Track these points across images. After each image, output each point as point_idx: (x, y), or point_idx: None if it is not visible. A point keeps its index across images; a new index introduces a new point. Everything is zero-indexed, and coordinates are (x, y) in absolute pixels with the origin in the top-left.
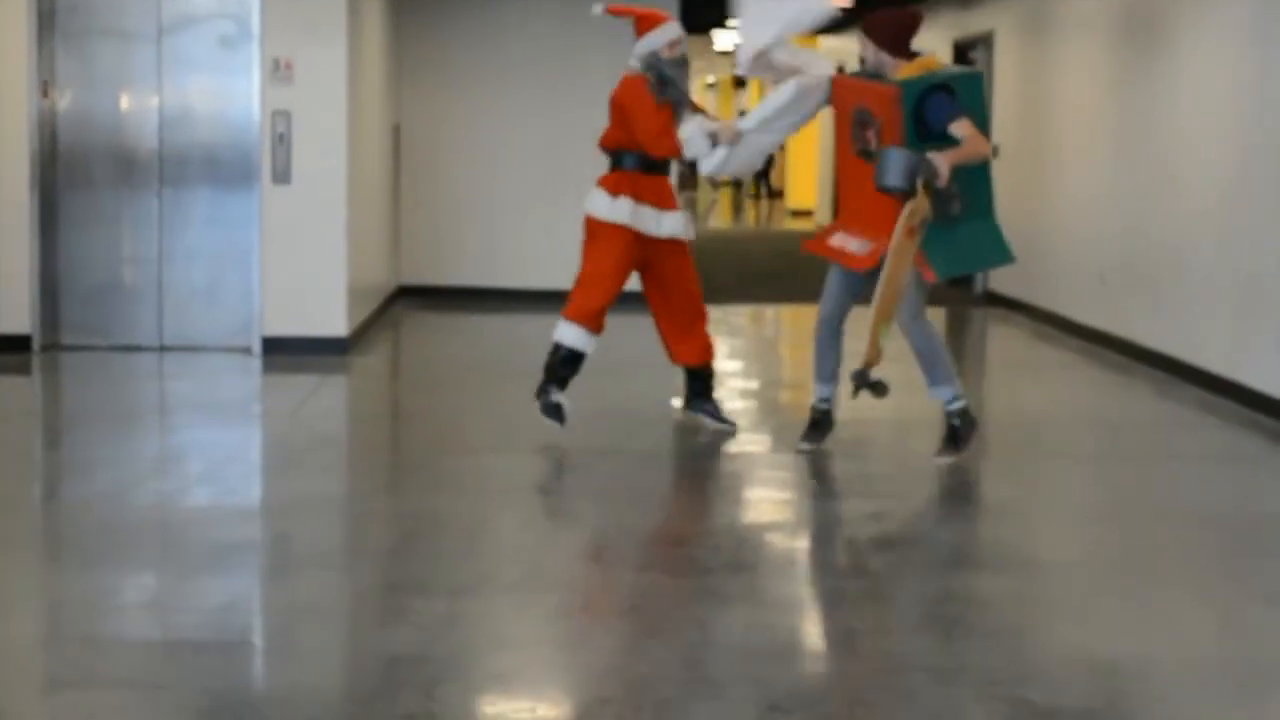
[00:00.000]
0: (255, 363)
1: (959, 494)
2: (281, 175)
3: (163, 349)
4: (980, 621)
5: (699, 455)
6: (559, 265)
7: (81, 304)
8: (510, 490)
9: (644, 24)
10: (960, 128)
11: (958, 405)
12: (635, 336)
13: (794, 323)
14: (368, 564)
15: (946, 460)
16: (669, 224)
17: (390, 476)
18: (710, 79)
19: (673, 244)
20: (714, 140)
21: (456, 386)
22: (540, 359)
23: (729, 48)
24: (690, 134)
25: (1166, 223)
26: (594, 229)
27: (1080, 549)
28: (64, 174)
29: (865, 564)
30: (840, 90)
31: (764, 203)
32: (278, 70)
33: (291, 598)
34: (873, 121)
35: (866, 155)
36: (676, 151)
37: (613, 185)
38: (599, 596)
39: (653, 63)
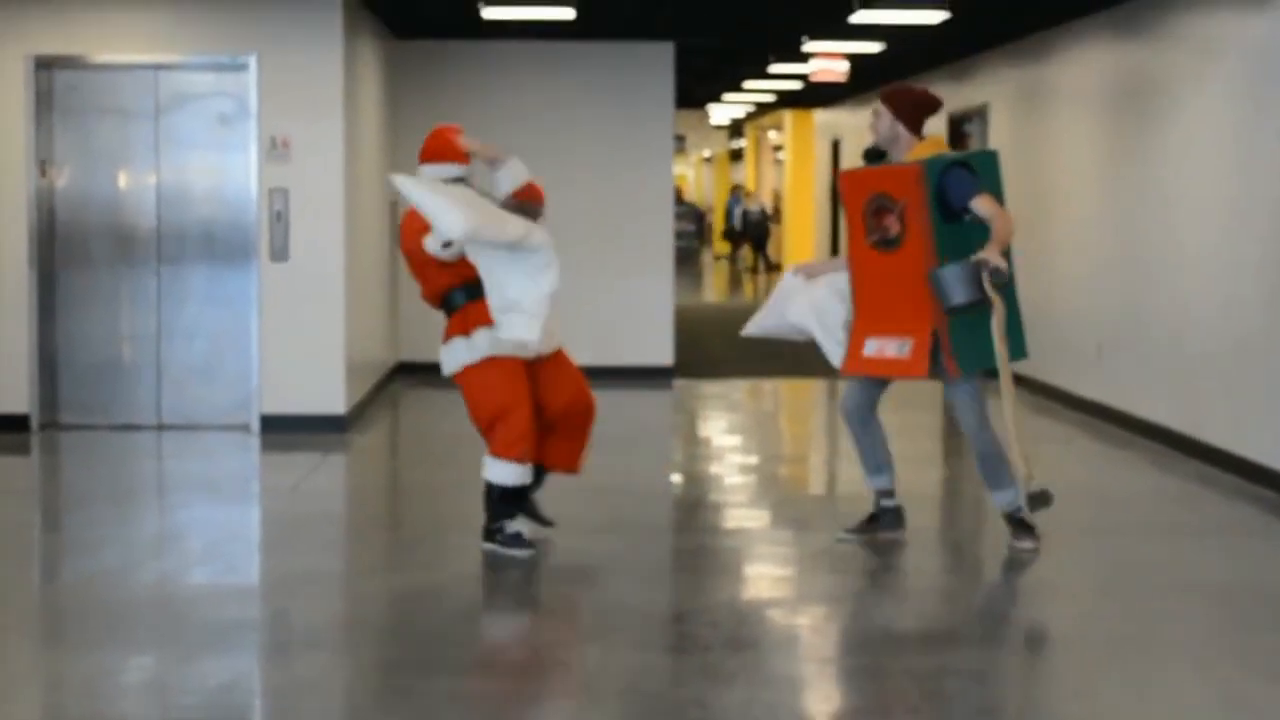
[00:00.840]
0: (254, 440)
1: (958, 569)
2: (279, 252)
3: (161, 427)
4: (980, 698)
5: (697, 530)
6: (569, 340)
7: (80, 382)
8: (509, 567)
9: (428, 150)
10: (983, 204)
11: (1020, 505)
12: (630, 411)
13: (792, 397)
14: (367, 642)
15: (1031, 545)
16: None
17: (390, 554)
18: (706, 153)
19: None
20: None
21: (455, 463)
22: None
23: (724, 121)
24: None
25: (1163, 295)
26: (470, 376)
27: (1081, 623)
28: (62, 252)
29: (864, 640)
30: (850, 184)
31: (762, 275)
32: (275, 148)
33: (291, 677)
34: (894, 206)
35: (886, 244)
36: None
37: (460, 326)
38: (598, 675)
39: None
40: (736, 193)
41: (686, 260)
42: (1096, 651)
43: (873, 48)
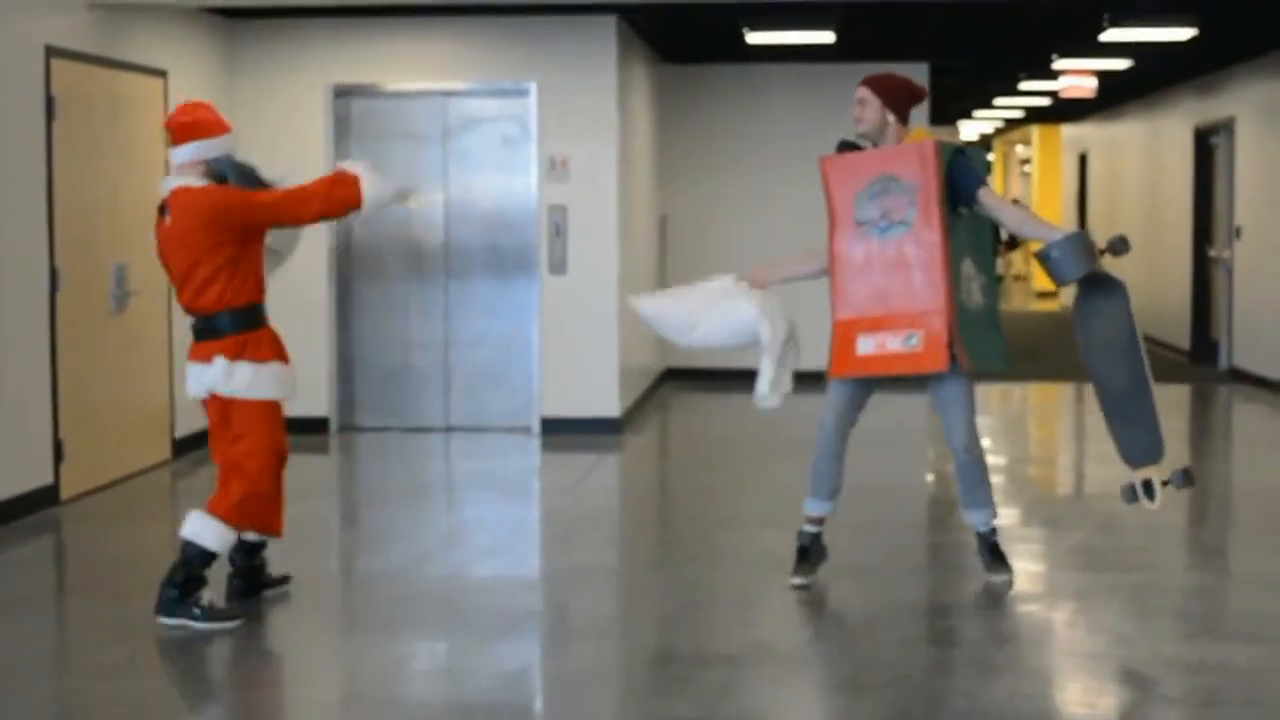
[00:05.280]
0: (534, 442)
1: (1207, 565)
2: (558, 265)
3: (449, 429)
4: (1238, 692)
5: (954, 529)
6: (823, 346)
7: (374, 388)
8: (779, 564)
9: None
10: (990, 195)
11: (994, 526)
12: (891, 413)
13: (1040, 400)
14: (645, 633)
15: (1007, 578)
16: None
17: (664, 549)
18: None
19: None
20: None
21: (723, 463)
22: (805, 436)
23: (973, 137)
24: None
25: None
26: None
27: None
28: (358, 266)
29: (1122, 633)
30: (839, 169)
31: (1006, 283)
32: (554, 168)
33: (574, 664)
34: (903, 188)
35: (889, 229)
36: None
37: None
38: (867, 666)
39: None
40: None
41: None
42: None
43: (1121, 64)
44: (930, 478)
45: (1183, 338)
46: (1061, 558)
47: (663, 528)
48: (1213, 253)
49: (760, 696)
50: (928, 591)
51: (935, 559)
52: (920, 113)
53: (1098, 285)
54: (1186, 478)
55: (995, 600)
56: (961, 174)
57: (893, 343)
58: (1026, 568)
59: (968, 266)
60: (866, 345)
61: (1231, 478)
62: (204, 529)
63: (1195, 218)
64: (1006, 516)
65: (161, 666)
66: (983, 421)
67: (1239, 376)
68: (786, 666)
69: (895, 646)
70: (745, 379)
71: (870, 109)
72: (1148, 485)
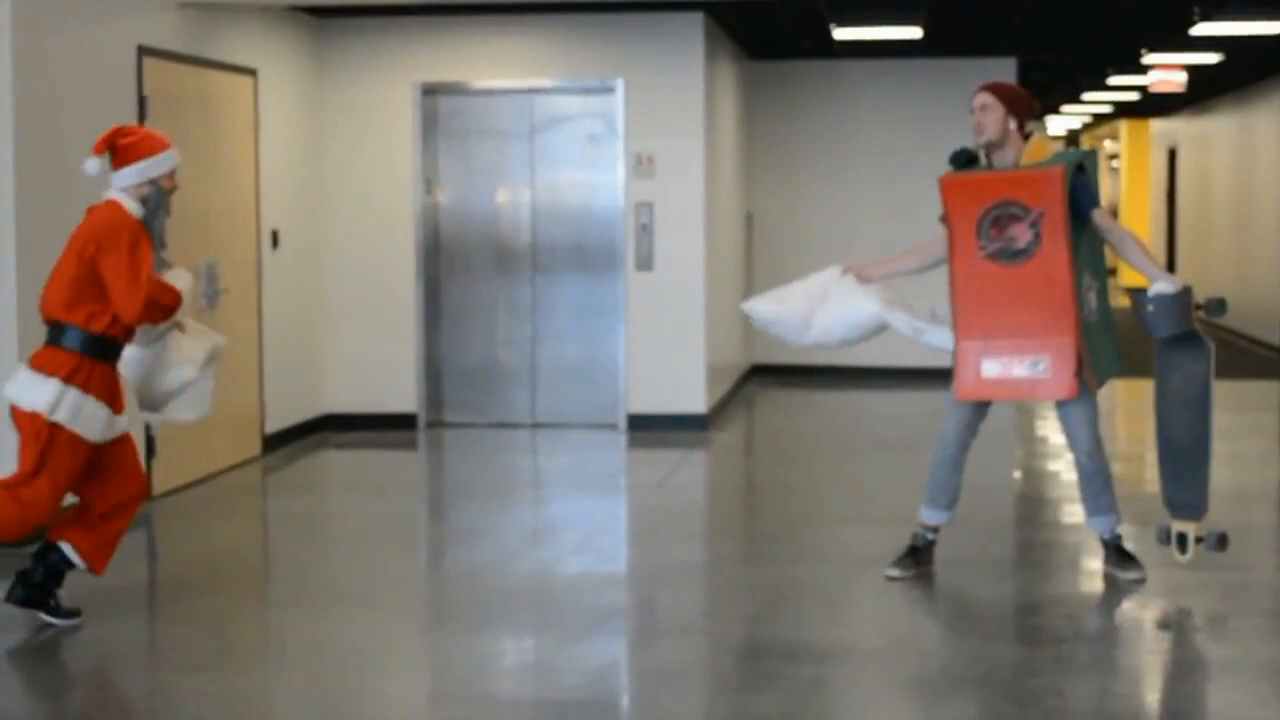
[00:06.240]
0: (621, 438)
1: None
2: (644, 262)
3: (535, 425)
4: None
5: (1039, 526)
6: (905, 343)
7: (462, 384)
8: (866, 560)
9: (141, 146)
10: (1103, 217)
11: (1119, 531)
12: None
13: (1127, 397)
14: (732, 629)
15: (1139, 575)
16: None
17: (751, 545)
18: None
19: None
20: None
21: (809, 460)
22: (891, 433)
23: (1060, 132)
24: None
25: None
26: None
27: None
28: (446, 264)
29: (1213, 633)
30: (960, 191)
31: None
32: (640, 165)
33: (661, 661)
34: (1026, 213)
35: (1011, 256)
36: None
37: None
38: (955, 663)
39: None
40: None
41: None
42: None
43: (1211, 58)
44: (1018, 475)
45: (1273, 333)
46: (1150, 555)
47: (749, 524)
48: None
49: (848, 693)
50: (1016, 589)
51: (1023, 556)
52: None
53: (1185, 340)
54: (1221, 542)
55: (1084, 598)
56: (1079, 192)
57: (1019, 368)
58: None
59: (1087, 279)
60: (992, 369)
61: None
62: None
63: None
64: None
65: (252, 662)
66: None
67: None
68: (874, 663)
69: (984, 643)
70: (832, 375)
71: (993, 116)
72: (1182, 538)
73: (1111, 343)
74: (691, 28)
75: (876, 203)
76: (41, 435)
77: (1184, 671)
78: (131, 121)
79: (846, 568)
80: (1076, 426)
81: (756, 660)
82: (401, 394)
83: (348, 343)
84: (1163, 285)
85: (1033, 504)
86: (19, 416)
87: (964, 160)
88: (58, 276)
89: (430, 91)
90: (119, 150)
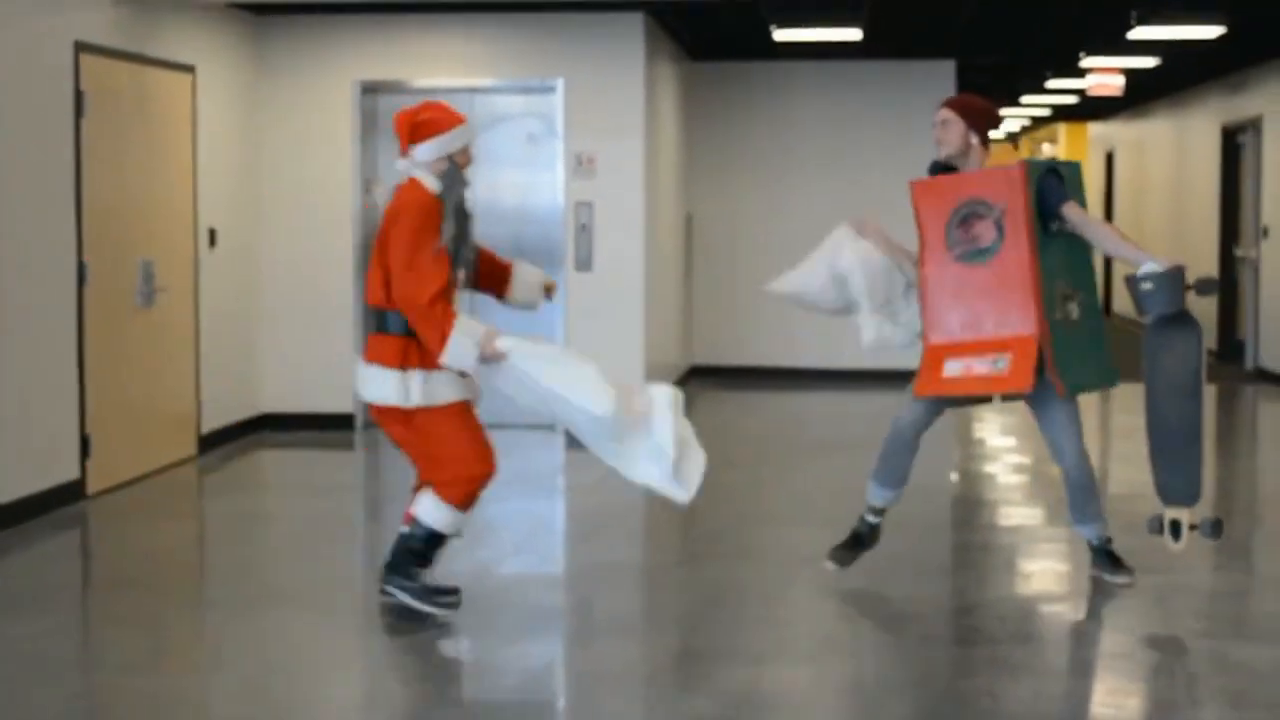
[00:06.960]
0: (558, 439)
1: (1232, 566)
2: (584, 262)
3: None
4: (1264, 693)
5: (975, 529)
6: (848, 344)
7: None
8: (804, 561)
9: (438, 122)
10: (1072, 210)
11: (1108, 536)
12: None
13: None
14: (669, 631)
15: (1129, 579)
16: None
17: (689, 546)
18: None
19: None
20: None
21: (749, 461)
22: (831, 435)
23: (999, 135)
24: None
25: None
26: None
27: None
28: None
29: (1147, 634)
30: (928, 192)
31: None
32: (580, 165)
33: (597, 662)
34: (990, 211)
35: (975, 255)
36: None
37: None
38: (891, 665)
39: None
40: None
41: None
42: None
43: (1148, 62)
44: (955, 477)
45: (1209, 337)
46: (1087, 557)
47: (688, 525)
48: (1239, 252)
49: (784, 694)
50: (952, 590)
51: (959, 558)
52: None
53: (1175, 321)
54: (1216, 528)
55: (1019, 600)
56: (1046, 191)
57: (979, 366)
58: (1052, 567)
59: (1062, 285)
60: (953, 368)
61: (1257, 478)
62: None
63: (1222, 217)
64: (1031, 516)
65: (188, 663)
66: (1008, 420)
67: (1265, 376)
68: (811, 664)
69: (920, 645)
70: (771, 376)
71: (953, 131)
72: (1175, 525)
73: (1097, 355)
74: (632, 28)
75: (816, 204)
76: (414, 424)
77: (1117, 673)
78: (67, 118)
79: (785, 569)
80: (1059, 438)
81: (694, 662)
82: (339, 394)
83: (285, 342)
84: (1151, 264)
85: (969, 506)
86: (378, 413)
87: (940, 171)
88: (372, 261)
89: (370, 90)
90: (417, 126)
